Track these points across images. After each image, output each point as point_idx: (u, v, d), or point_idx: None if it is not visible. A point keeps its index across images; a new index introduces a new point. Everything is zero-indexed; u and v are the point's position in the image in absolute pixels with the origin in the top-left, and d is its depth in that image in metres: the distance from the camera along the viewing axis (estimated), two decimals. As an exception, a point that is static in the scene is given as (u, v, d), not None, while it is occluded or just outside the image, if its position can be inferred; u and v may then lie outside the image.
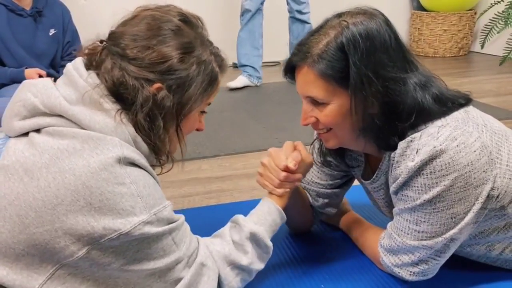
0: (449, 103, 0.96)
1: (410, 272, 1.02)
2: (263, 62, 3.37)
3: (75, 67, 0.86)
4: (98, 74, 0.84)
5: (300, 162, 1.04)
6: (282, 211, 1.04)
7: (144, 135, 0.84)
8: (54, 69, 2.40)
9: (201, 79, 0.88)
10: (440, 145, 0.90)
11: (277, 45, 3.38)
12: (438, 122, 0.93)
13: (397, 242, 1.01)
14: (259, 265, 0.97)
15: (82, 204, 0.75)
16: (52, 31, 2.34)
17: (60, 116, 0.81)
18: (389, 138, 0.97)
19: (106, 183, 0.76)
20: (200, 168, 1.89)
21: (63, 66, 2.40)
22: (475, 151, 0.91)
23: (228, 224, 1.01)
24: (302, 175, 1.08)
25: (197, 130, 0.99)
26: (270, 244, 0.99)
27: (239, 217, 1.01)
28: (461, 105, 0.98)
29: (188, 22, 0.89)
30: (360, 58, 0.90)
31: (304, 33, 3.25)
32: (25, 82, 0.87)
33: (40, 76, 2.18)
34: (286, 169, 1.03)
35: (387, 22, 0.96)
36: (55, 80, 0.89)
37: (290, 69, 1.00)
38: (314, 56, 0.93)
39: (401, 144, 0.95)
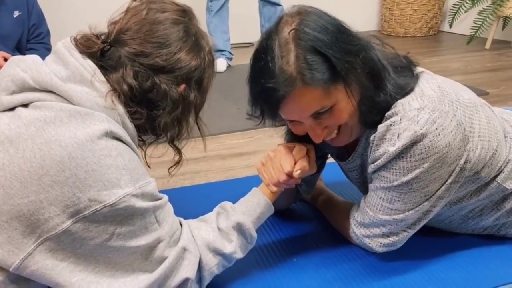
0: (400, 66, 0.98)
1: (380, 243, 1.05)
2: (236, 44, 3.37)
3: (65, 46, 0.87)
4: (104, 72, 0.86)
5: (305, 172, 1.02)
6: (272, 205, 1.04)
7: (166, 132, 0.92)
8: (20, 53, 2.32)
9: (209, 68, 0.96)
10: (421, 129, 0.91)
11: (249, 27, 3.37)
12: (416, 104, 0.93)
13: (369, 216, 1.04)
14: (241, 255, 0.99)
15: (67, 175, 0.75)
16: (16, 13, 2.26)
17: (50, 92, 0.81)
18: (378, 112, 0.96)
19: (92, 154, 0.76)
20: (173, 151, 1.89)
21: (30, 49, 2.35)
22: (451, 131, 0.93)
23: (216, 210, 1.01)
24: (300, 180, 1.06)
25: None
26: (255, 235, 1.00)
27: (228, 204, 1.01)
28: (411, 69, 1.00)
29: (188, 16, 0.94)
30: (333, 49, 0.88)
31: (276, 16, 3.23)
32: (13, 58, 0.87)
33: (6, 59, 2.11)
34: (289, 175, 1.00)
35: (317, 9, 0.94)
36: None
37: (276, 107, 0.92)
38: (297, 76, 0.87)
39: (381, 128, 0.96)
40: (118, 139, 0.82)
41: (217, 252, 0.95)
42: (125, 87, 0.85)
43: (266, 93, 0.90)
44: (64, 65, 0.84)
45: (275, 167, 1.02)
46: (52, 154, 0.75)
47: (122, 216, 0.80)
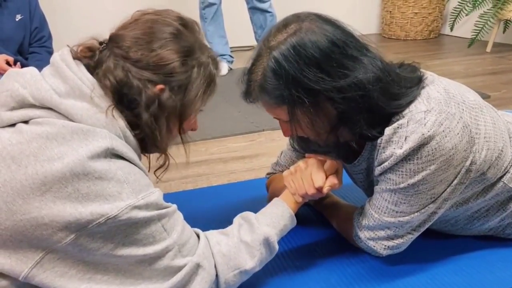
0: (409, 87, 0.96)
1: (385, 246, 1.05)
2: (237, 47, 3.37)
3: (63, 58, 0.86)
4: (93, 72, 0.85)
5: (334, 188, 1.03)
6: (294, 218, 1.03)
7: (146, 134, 0.87)
8: (22, 56, 2.33)
9: (201, 81, 0.91)
10: (428, 131, 0.91)
11: (250, 30, 3.37)
12: (422, 107, 0.93)
13: (374, 218, 1.03)
14: (259, 268, 0.97)
15: (70, 190, 0.75)
16: (18, 17, 2.27)
17: (50, 109, 0.80)
18: (364, 133, 0.97)
19: (94, 170, 0.76)
20: (176, 154, 1.89)
21: (32, 53, 2.36)
22: (458, 133, 0.93)
23: (237, 221, 0.99)
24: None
25: (191, 130, 1.00)
26: (277, 248, 0.99)
27: (251, 215, 0.99)
28: (419, 82, 0.98)
29: (187, 26, 0.92)
30: (287, 81, 0.90)
31: (266, 24, 3.24)
32: (11, 72, 0.86)
33: (7, 62, 2.12)
34: (319, 189, 1.02)
35: (318, 25, 0.92)
36: (22, 67, 0.87)
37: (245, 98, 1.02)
38: (256, 89, 0.96)
39: (388, 131, 0.95)
40: (120, 156, 0.82)
41: (238, 271, 0.93)
42: (107, 82, 0.84)
43: (244, 81, 1.00)
44: (62, 79, 0.83)
45: (306, 179, 1.02)
46: (54, 171, 0.75)
47: (126, 226, 0.79)
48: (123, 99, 0.85)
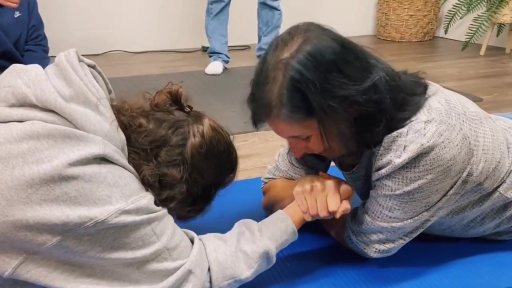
0: (413, 94, 0.96)
1: (376, 249, 1.06)
2: (232, 46, 3.37)
3: (68, 59, 0.83)
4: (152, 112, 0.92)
5: (346, 213, 1.01)
6: (297, 233, 1.01)
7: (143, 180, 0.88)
8: (18, 53, 2.32)
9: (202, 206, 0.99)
10: (428, 142, 0.90)
11: (246, 29, 3.37)
12: (423, 117, 0.93)
13: (367, 222, 1.04)
14: (252, 278, 0.96)
15: (57, 193, 0.73)
16: (17, 14, 2.26)
17: (53, 111, 0.78)
18: (371, 140, 0.97)
19: (83, 173, 0.75)
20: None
21: (28, 50, 2.35)
22: (457, 145, 0.93)
23: (237, 228, 0.98)
24: None
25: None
26: (275, 261, 0.98)
27: (254, 225, 0.98)
28: (423, 92, 0.98)
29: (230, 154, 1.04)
30: (315, 90, 0.86)
31: (273, 21, 3.26)
32: (15, 67, 0.83)
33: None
34: (331, 213, 0.99)
35: (322, 32, 0.90)
36: (17, 63, 0.86)
37: (255, 123, 0.98)
38: (275, 108, 0.89)
39: (387, 138, 0.95)
40: (112, 162, 0.80)
41: (233, 280, 0.92)
42: (160, 130, 0.89)
43: (250, 110, 0.96)
44: (67, 82, 0.80)
45: (320, 201, 0.99)
46: (41, 173, 0.73)
47: (115, 229, 0.78)
48: (154, 152, 0.89)
